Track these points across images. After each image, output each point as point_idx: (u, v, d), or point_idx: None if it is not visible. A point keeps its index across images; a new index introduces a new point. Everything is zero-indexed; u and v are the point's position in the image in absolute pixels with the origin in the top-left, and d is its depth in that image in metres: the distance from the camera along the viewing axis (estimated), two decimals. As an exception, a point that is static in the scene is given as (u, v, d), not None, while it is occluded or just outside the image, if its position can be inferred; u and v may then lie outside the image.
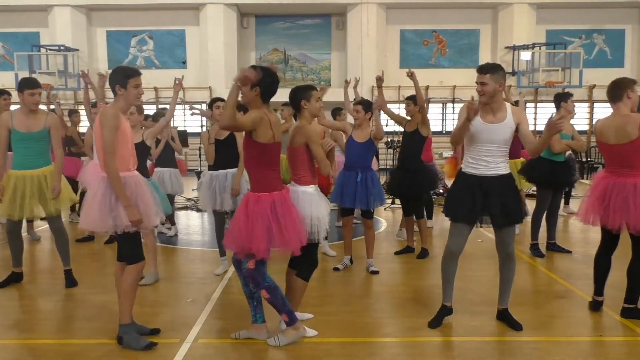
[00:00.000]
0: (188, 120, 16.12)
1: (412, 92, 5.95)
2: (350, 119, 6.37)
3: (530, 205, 6.32)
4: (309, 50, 17.67)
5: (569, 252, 6.31)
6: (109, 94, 3.97)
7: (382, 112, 6.07)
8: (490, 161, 3.86)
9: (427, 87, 16.77)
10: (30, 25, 16.95)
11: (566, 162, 6.11)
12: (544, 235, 6.38)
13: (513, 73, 16.58)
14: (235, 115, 3.46)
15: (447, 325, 4.12)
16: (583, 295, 4.63)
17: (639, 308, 4.27)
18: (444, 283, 4.15)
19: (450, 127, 16.86)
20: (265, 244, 3.51)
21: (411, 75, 5.76)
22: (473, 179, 3.91)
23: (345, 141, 5.68)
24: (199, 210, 9.44)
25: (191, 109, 6.38)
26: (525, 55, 16.53)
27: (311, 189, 3.87)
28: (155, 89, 16.40)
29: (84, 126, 8.53)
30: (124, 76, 3.65)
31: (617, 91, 4.15)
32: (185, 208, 9.82)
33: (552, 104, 6.27)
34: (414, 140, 5.97)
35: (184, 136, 10.49)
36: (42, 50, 16.59)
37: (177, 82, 5.07)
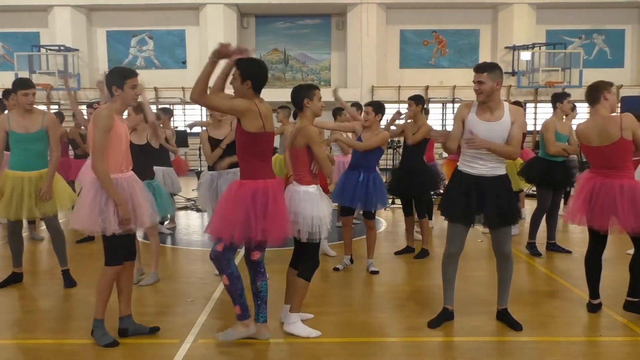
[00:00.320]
0: (188, 121, 16.11)
1: (413, 92, 5.96)
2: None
3: (531, 205, 6.32)
4: (309, 50, 17.67)
5: (568, 252, 6.31)
6: None
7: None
8: (487, 160, 3.86)
9: (427, 87, 16.79)
10: (30, 25, 16.96)
11: (564, 162, 6.10)
12: (543, 235, 6.38)
13: (513, 73, 16.59)
14: (205, 91, 3.47)
15: (447, 325, 4.12)
16: (583, 295, 4.63)
17: None
18: (445, 284, 4.15)
19: (450, 127, 16.83)
20: (237, 231, 3.50)
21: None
22: (469, 178, 3.92)
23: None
24: (199, 210, 9.44)
25: (190, 127, 6.49)
26: (525, 56, 16.54)
27: (313, 189, 3.87)
28: (155, 89, 16.40)
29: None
30: (120, 77, 3.65)
31: (594, 93, 4.19)
32: (185, 208, 9.83)
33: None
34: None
35: (183, 136, 10.51)
36: (42, 50, 16.59)
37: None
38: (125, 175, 3.73)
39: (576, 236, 7.05)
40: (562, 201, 8.82)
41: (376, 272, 5.54)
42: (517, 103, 8.12)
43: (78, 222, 3.66)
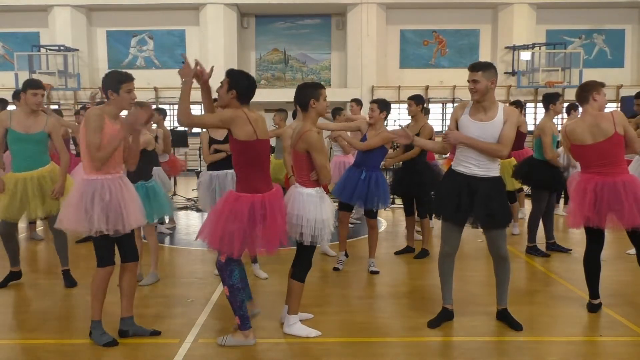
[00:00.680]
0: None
1: (413, 92, 5.95)
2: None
3: (531, 205, 6.31)
4: (309, 50, 17.67)
5: (568, 250, 6.31)
6: None
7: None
8: (479, 160, 3.86)
9: (427, 87, 16.79)
10: (30, 25, 16.96)
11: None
12: (542, 235, 6.38)
13: (513, 73, 16.59)
14: (189, 112, 3.48)
15: (447, 325, 4.12)
16: (583, 295, 4.63)
17: None
18: (442, 284, 4.16)
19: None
20: (235, 245, 3.52)
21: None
22: (461, 178, 3.92)
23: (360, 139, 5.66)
24: (198, 210, 9.44)
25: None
26: (525, 55, 16.53)
27: (315, 192, 3.85)
28: (155, 89, 16.40)
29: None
30: (116, 81, 3.66)
31: (583, 94, 4.23)
32: (185, 208, 9.83)
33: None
34: None
35: (183, 136, 10.51)
36: (42, 50, 16.59)
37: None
38: (113, 176, 3.71)
39: (576, 236, 7.05)
40: (562, 201, 8.87)
41: (376, 272, 5.55)
42: (517, 102, 8.11)
43: (64, 222, 3.67)
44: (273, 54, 17.68)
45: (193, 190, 10.42)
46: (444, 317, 4.15)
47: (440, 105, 17.23)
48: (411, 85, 16.10)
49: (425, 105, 6.23)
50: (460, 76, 16.84)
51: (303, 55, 17.69)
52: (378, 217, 6.04)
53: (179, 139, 10.21)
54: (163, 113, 8.00)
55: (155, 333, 3.95)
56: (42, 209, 4.88)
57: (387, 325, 4.25)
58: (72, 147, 7.67)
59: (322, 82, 16.89)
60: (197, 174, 10.21)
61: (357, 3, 16.45)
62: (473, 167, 3.88)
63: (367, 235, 5.73)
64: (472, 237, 6.67)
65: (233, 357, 3.65)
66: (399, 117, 13.87)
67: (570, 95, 14.61)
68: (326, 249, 6.28)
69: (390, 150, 5.69)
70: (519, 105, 7.85)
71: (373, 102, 5.56)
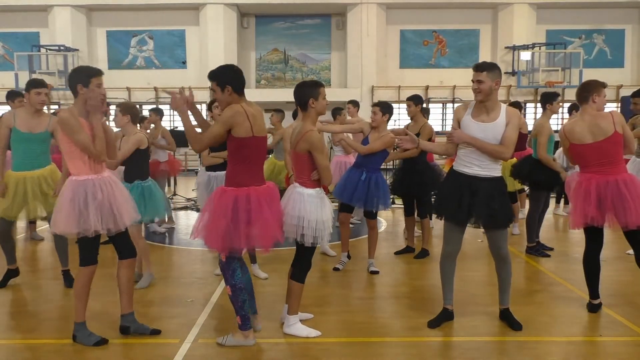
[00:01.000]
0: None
1: (413, 92, 5.94)
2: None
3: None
4: (309, 50, 17.67)
5: (551, 249, 6.34)
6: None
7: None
8: (481, 161, 3.86)
9: (427, 87, 16.79)
10: (30, 25, 16.96)
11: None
12: (542, 235, 6.37)
13: (513, 73, 16.59)
14: (199, 136, 3.50)
15: (447, 325, 4.12)
16: (583, 295, 4.63)
17: None
18: (444, 284, 4.16)
19: (449, 127, 16.84)
20: (220, 239, 3.50)
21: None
22: (463, 178, 3.92)
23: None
24: (198, 210, 9.44)
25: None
26: (525, 55, 16.54)
27: (316, 192, 3.83)
28: (155, 89, 16.40)
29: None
30: (86, 75, 3.59)
31: (584, 94, 4.23)
32: (185, 208, 9.83)
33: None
34: None
35: (183, 136, 10.49)
36: (42, 50, 16.59)
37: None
38: (100, 176, 3.68)
39: (576, 236, 7.05)
40: (563, 201, 8.86)
41: (376, 272, 5.54)
42: (516, 103, 8.11)
43: (59, 225, 3.63)
44: (273, 54, 17.69)
45: (193, 190, 10.41)
46: (444, 318, 4.15)
47: (440, 105, 17.23)
48: (411, 85, 16.11)
49: (423, 105, 6.21)
50: (460, 76, 16.96)
51: (303, 55, 17.69)
52: (378, 217, 6.05)
53: (179, 139, 10.18)
54: (160, 113, 8.01)
55: (155, 332, 3.94)
56: (41, 209, 4.88)
57: (387, 325, 4.25)
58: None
59: (322, 82, 17.03)
60: (197, 173, 10.21)
61: (357, 3, 16.46)
62: (475, 168, 3.88)
63: (367, 236, 5.72)
64: (472, 237, 6.67)
65: (233, 357, 3.65)
66: (399, 117, 13.87)
67: (570, 95, 14.66)
68: (326, 249, 6.28)
69: (390, 151, 5.68)
70: (518, 106, 7.85)
71: (375, 105, 5.52)
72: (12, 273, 5.17)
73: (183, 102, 3.55)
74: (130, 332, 3.91)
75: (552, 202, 8.46)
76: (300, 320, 4.04)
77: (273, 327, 4.06)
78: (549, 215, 8.17)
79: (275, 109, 7.63)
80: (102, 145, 3.63)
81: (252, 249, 3.94)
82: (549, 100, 6.03)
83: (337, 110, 7.68)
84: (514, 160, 6.80)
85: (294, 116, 6.89)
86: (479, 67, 3.82)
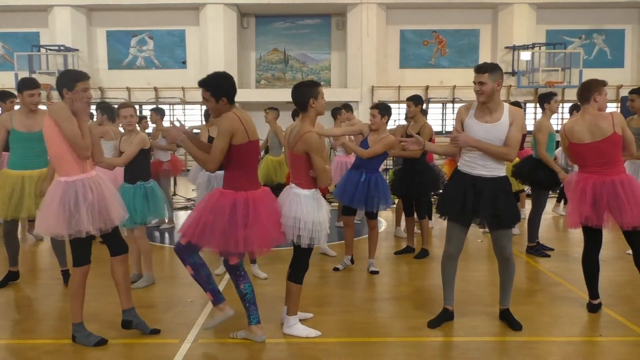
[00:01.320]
0: (188, 121, 16.13)
1: (413, 92, 5.93)
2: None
3: (530, 205, 6.31)
4: (309, 50, 17.67)
5: (551, 249, 6.33)
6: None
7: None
8: (486, 161, 3.85)
9: (427, 87, 16.79)
10: (30, 25, 16.96)
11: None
12: (541, 235, 6.37)
13: (513, 73, 16.58)
14: (208, 157, 3.51)
15: (447, 325, 4.12)
16: (583, 295, 4.63)
17: None
18: (444, 285, 4.16)
19: (449, 127, 16.86)
20: (214, 241, 3.50)
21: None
22: (467, 178, 3.92)
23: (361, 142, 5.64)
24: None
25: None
26: (525, 55, 16.53)
27: (311, 193, 3.82)
28: (155, 89, 16.40)
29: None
30: (71, 79, 3.58)
31: (585, 94, 4.22)
32: (185, 208, 9.83)
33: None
34: None
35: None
36: (42, 50, 16.59)
37: None
38: (88, 175, 3.67)
39: (576, 236, 7.05)
40: (563, 201, 8.86)
41: (376, 272, 5.54)
42: (515, 103, 8.12)
43: (46, 228, 3.61)
44: (273, 54, 17.68)
45: (193, 190, 10.41)
46: (444, 318, 4.14)
47: (440, 105, 17.23)
48: (411, 85, 16.10)
49: (423, 105, 6.20)
50: (460, 76, 16.96)
51: (303, 55, 17.69)
52: (378, 217, 6.04)
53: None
54: (161, 113, 8.01)
55: (155, 332, 3.95)
56: (36, 209, 4.86)
57: (387, 325, 4.25)
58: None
59: (323, 82, 17.03)
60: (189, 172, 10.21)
61: (357, 3, 16.45)
62: (479, 168, 3.87)
63: (367, 236, 5.72)
64: (473, 237, 6.67)
65: (233, 357, 3.65)
66: (399, 117, 13.87)
67: (571, 95, 14.67)
68: (326, 250, 6.28)
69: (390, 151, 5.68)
70: (518, 106, 7.85)
71: (374, 107, 5.49)
72: (13, 276, 5.18)
73: (180, 132, 3.58)
74: (132, 326, 3.91)
75: (550, 201, 8.47)
76: (300, 320, 4.04)
77: (273, 327, 4.06)
78: (548, 215, 8.19)
79: (269, 107, 7.61)
80: (89, 141, 3.61)
81: (251, 253, 3.93)
82: (546, 100, 6.07)
83: (337, 110, 7.66)
84: (517, 160, 6.82)
85: (294, 116, 6.89)
86: (481, 69, 3.81)
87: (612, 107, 15.76)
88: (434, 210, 7.79)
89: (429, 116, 16.16)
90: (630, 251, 5.58)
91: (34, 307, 4.71)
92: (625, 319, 4.25)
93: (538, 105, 6.35)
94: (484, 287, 5.03)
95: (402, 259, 6.20)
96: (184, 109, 16.60)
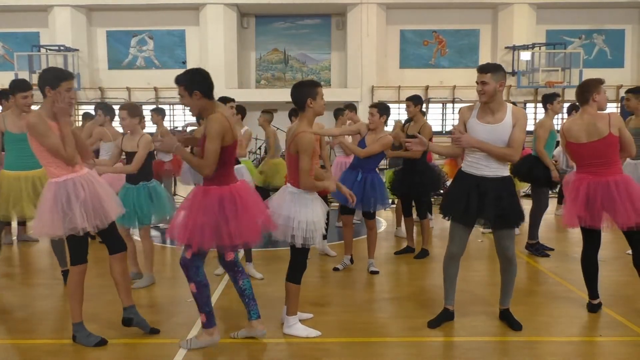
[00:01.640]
0: (188, 121, 16.13)
1: (413, 92, 5.93)
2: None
3: (528, 205, 6.31)
4: (309, 50, 17.67)
5: (551, 249, 6.34)
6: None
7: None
8: (490, 161, 3.85)
9: (427, 87, 16.79)
10: (30, 25, 16.96)
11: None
12: (541, 235, 6.37)
13: (513, 73, 16.58)
14: (202, 162, 3.46)
15: (447, 325, 4.12)
16: (583, 295, 4.63)
17: None
18: (445, 284, 4.15)
19: (449, 127, 16.85)
20: (206, 238, 3.47)
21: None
22: (470, 179, 3.91)
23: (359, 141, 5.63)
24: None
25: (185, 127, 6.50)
26: (525, 56, 16.54)
27: (308, 193, 3.81)
28: (155, 89, 16.40)
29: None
30: (55, 78, 3.52)
31: (584, 94, 4.21)
32: (185, 208, 9.80)
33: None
34: None
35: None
36: (42, 50, 16.59)
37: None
38: (80, 174, 3.64)
39: (576, 236, 7.05)
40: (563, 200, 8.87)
41: (376, 272, 5.54)
42: (513, 104, 8.12)
43: (41, 229, 3.60)
44: (273, 54, 17.69)
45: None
46: (445, 318, 4.14)
47: (440, 105, 17.23)
48: (411, 85, 16.10)
49: (422, 105, 6.20)
50: (460, 76, 16.96)
51: (303, 55, 17.69)
52: (378, 217, 6.05)
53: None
54: (162, 113, 7.99)
55: (155, 331, 3.95)
56: (31, 210, 4.82)
57: (387, 325, 4.25)
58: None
59: (323, 82, 17.02)
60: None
61: (357, 3, 16.45)
62: (483, 169, 3.86)
63: (366, 236, 5.72)
64: (473, 237, 6.63)
65: (233, 357, 3.65)
66: (399, 117, 13.87)
67: (571, 95, 14.61)
68: (326, 250, 6.28)
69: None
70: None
71: (372, 106, 5.48)
72: None
73: (174, 140, 3.54)
74: (133, 324, 3.91)
75: (553, 202, 8.47)
76: (300, 320, 4.04)
77: (273, 327, 4.06)
78: (549, 216, 8.17)
79: (263, 110, 7.60)
80: (72, 148, 3.57)
81: (246, 245, 3.89)
82: (549, 100, 6.09)
83: (339, 111, 7.65)
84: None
85: (291, 116, 6.87)
86: (483, 69, 3.80)
87: (612, 107, 15.76)
88: (433, 210, 7.83)
89: (429, 116, 16.26)
90: (629, 251, 5.59)
91: (34, 307, 4.71)
92: (625, 319, 4.25)
93: (540, 105, 6.33)
94: (484, 287, 5.03)
95: (402, 259, 6.20)
96: (184, 109, 16.61)
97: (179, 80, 3.52)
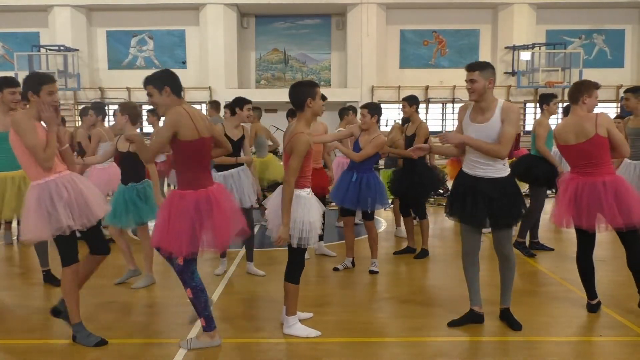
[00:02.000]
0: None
1: (413, 92, 5.93)
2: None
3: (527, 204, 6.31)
4: (309, 50, 17.66)
5: (551, 249, 6.32)
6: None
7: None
8: (483, 162, 3.85)
9: (427, 87, 16.79)
10: (30, 25, 16.95)
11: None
12: (541, 235, 6.37)
13: (513, 73, 16.58)
14: (145, 147, 3.54)
15: (447, 325, 4.12)
16: (583, 295, 4.63)
17: None
18: (468, 285, 4.15)
19: (449, 127, 16.85)
20: (184, 244, 3.47)
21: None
22: (468, 179, 3.92)
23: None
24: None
25: None
26: (525, 56, 16.53)
27: (304, 193, 3.81)
28: (155, 89, 16.37)
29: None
30: (37, 83, 3.54)
31: (575, 94, 4.22)
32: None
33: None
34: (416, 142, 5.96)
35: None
36: (42, 50, 16.59)
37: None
38: (61, 175, 3.63)
39: (573, 236, 7.06)
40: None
41: (376, 272, 5.54)
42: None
43: (27, 233, 3.60)
44: (273, 54, 17.68)
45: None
46: (469, 319, 4.11)
47: (440, 105, 17.23)
48: (411, 85, 16.09)
49: (419, 105, 6.18)
50: (460, 76, 16.72)
51: (303, 55, 17.68)
52: (378, 218, 6.04)
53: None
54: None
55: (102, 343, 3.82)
56: (17, 211, 4.77)
57: (387, 325, 4.25)
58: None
59: (322, 82, 17.03)
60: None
61: (357, 3, 16.45)
62: (478, 169, 3.87)
63: (366, 236, 5.72)
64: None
65: (234, 357, 3.65)
66: (399, 118, 13.87)
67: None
68: (326, 250, 6.27)
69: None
70: None
71: (363, 107, 5.45)
72: None
73: (138, 136, 3.60)
74: (62, 316, 3.87)
75: (553, 202, 8.45)
76: (300, 320, 4.04)
77: (273, 327, 4.07)
78: (548, 216, 8.17)
79: (254, 107, 7.59)
80: (53, 152, 3.56)
81: (222, 247, 3.89)
82: (545, 101, 6.09)
83: (344, 111, 7.62)
84: (512, 159, 6.82)
85: (288, 117, 6.86)
86: (471, 67, 3.81)
87: (612, 107, 15.76)
88: (433, 210, 7.83)
89: (429, 116, 16.24)
90: (629, 251, 5.58)
91: (34, 307, 4.71)
92: (624, 319, 4.25)
93: (538, 105, 6.33)
94: (484, 288, 5.00)
95: (402, 259, 6.20)
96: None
97: (147, 80, 3.55)
